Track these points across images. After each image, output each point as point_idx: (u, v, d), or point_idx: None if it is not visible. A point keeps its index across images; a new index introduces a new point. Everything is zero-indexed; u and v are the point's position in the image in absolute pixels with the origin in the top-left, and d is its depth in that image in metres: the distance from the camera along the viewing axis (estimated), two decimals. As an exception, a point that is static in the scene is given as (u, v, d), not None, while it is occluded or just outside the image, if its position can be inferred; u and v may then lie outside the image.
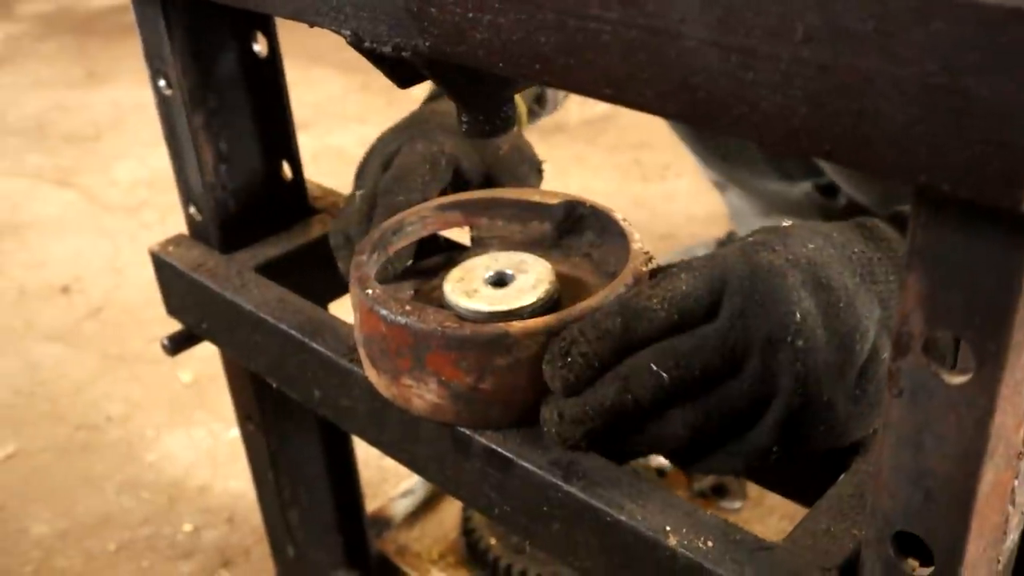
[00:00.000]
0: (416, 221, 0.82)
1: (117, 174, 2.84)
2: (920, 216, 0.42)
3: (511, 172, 0.92)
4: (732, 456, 0.63)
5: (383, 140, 0.93)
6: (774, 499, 1.51)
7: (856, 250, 0.65)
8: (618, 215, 0.78)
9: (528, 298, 0.71)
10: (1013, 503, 0.52)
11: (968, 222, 0.40)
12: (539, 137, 2.85)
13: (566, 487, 0.64)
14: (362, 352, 0.74)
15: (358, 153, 0.94)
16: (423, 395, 0.69)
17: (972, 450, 0.45)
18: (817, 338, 0.60)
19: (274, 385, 0.91)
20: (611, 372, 0.62)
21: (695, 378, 0.61)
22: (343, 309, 0.83)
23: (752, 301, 0.60)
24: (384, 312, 0.69)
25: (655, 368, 0.61)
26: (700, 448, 0.64)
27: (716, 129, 0.45)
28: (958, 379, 0.44)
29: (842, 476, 0.63)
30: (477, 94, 0.69)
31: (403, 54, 0.58)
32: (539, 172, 0.95)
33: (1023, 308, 0.41)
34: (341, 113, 3.09)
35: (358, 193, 0.88)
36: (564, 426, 0.63)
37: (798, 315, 0.60)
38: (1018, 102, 0.34)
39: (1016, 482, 0.51)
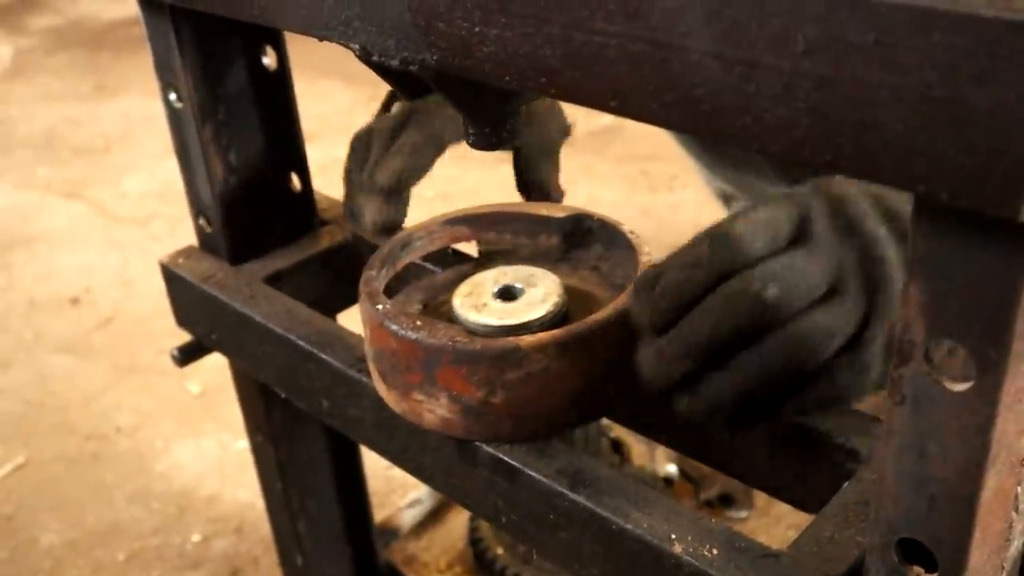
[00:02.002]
0: (424, 236, 0.83)
1: (127, 186, 2.86)
2: (921, 225, 0.42)
3: (539, 131, 0.92)
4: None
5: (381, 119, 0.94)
6: (781, 508, 1.51)
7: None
8: (625, 227, 0.78)
9: (537, 312, 0.71)
10: (1017, 510, 0.52)
11: (968, 231, 0.40)
12: (546, 148, 2.86)
13: (572, 496, 0.64)
14: (372, 367, 0.75)
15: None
16: (434, 410, 0.70)
17: (974, 457, 0.45)
18: (894, 262, 0.60)
19: (283, 395, 0.91)
20: (704, 302, 0.59)
21: (790, 302, 0.58)
22: (352, 320, 0.84)
23: (836, 226, 0.60)
24: (394, 327, 0.69)
25: (754, 288, 0.58)
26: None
27: (720, 140, 0.46)
28: (960, 387, 0.44)
29: (846, 484, 0.64)
30: (483, 107, 0.70)
31: (410, 68, 0.58)
32: (566, 134, 0.96)
33: (1023, 317, 0.42)
34: (349, 125, 3.06)
35: (375, 127, 0.92)
36: (665, 365, 0.60)
37: (879, 240, 0.60)
38: (1017, 113, 0.35)
39: (1019, 489, 0.51)
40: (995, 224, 0.39)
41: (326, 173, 2.42)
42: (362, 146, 0.93)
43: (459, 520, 1.53)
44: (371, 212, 0.89)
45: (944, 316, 0.43)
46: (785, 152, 0.43)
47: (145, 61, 0.92)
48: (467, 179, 2.60)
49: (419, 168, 0.89)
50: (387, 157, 0.88)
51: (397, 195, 0.89)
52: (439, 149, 0.90)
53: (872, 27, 0.38)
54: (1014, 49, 0.34)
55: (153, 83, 0.91)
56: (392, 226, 0.90)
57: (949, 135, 0.37)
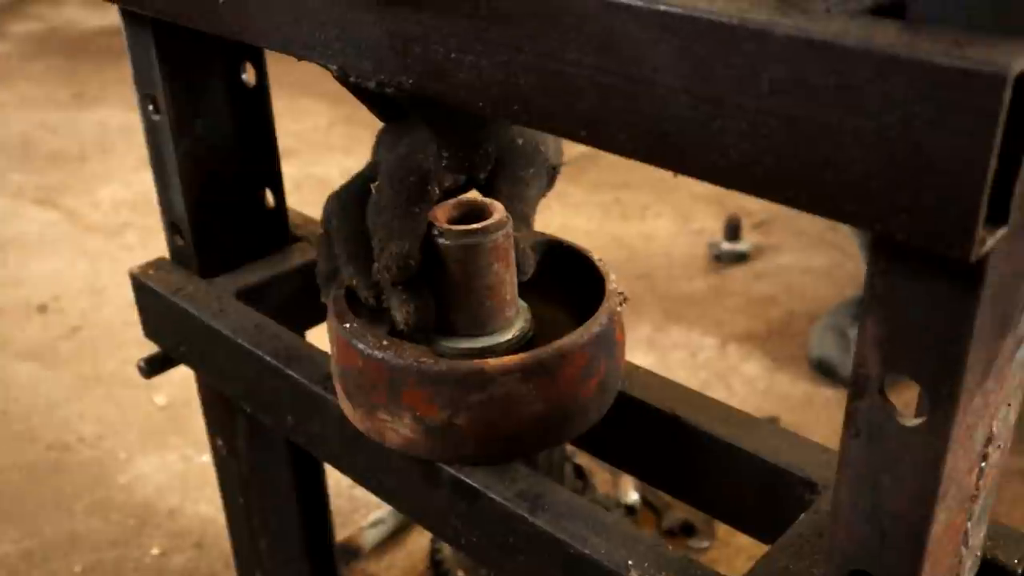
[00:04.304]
0: None
1: (100, 196, 2.84)
2: (878, 263, 0.43)
3: (512, 171, 0.77)
4: None
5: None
6: (742, 540, 1.52)
7: None
8: (594, 256, 0.79)
9: (503, 336, 0.72)
10: (967, 545, 0.53)
11: (922, 270, 0.42)
12: (522, 173, 2.88)
13: (531, 519, 0.65)
14: (338, 386, 0.75)
15: (341, 184, 0.94)
16: (398, 429, 0.70)
17: (925, 491, 0.46)
18: None
19: (248, 410, 0.91)
20: None
21: None
22: (320, 337, 0.84)
23: None
24: (361, 346, 0.69)
25: None
26: None
27: (685, 173, 0.47)
28: (913, 421, 0.46)
29: (802, 515, 0.65)
30: (458, 131, 0.70)
31: (387, 90, 0.59)
32: (551, 174, 0.81)
33: (974, 354, 0.43)
34: (326, 143, 3.10)
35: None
36: None
37: None
38: (968, 157, 0.36)
39: (969, 524, 0.52)
40: (948, 264, 0.40)
41: (301, 190, 2.43)
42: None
43: (421, 542, 1.52)
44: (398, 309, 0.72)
45: (899, 351, 0.44)
46: (749, 187, 0.44)
47: (125, 72, 0.92)
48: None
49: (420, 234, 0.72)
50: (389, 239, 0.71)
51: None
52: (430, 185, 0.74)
53: (834, 70, 0.39)
54: (967, 96, 0.36)
55: (132, 94, 0.92)
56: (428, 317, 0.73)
57: (905, 177, 0.38)
